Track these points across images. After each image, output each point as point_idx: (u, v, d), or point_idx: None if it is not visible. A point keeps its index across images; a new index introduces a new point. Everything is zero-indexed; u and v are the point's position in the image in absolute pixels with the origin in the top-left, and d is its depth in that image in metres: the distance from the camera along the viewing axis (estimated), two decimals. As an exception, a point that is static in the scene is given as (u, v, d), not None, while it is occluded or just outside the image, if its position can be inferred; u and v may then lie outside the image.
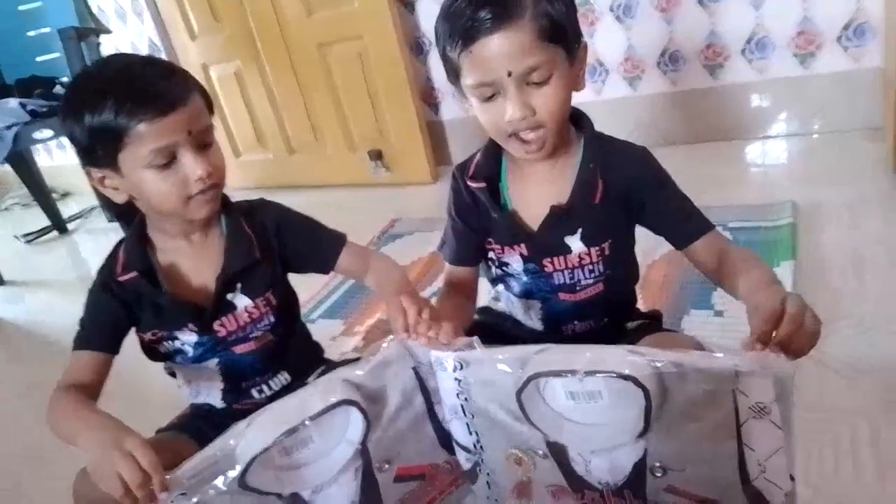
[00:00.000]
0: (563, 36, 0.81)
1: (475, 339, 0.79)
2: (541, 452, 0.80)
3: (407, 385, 0.85)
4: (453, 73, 0.86)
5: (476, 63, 0.80)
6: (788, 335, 0.64)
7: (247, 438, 0.76)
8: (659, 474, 0.75)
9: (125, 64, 0.84)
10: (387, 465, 0.86)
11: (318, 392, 0.80)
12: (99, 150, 0.82)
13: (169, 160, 0.83)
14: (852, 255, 1.36)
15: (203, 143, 0.86)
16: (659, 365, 0.68)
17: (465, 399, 0.80)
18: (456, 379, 0.79)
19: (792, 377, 0.64)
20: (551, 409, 0.76)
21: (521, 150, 0.86)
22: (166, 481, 0.71)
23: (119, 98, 0.78)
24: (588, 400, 0.73)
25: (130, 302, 0.93)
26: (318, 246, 1.01)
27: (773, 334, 0.65)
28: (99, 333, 0.93)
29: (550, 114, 0.82)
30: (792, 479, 0.69)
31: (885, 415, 0.95)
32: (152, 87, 0.80)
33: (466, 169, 0.96)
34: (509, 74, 0.79)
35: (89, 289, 0.95)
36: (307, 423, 0.77)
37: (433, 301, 0.98)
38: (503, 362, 0.75)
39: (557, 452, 0.79)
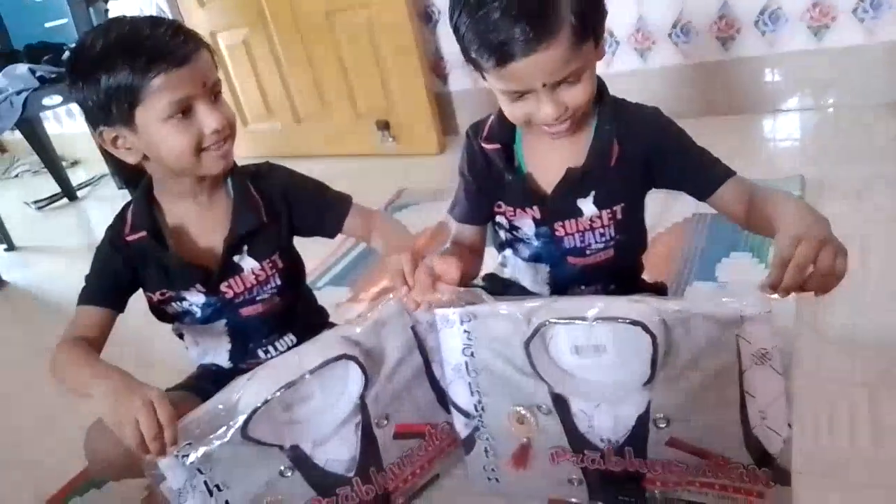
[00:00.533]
0: (593, 29, 0.79)
1: (481, 291, 0.80)
2: (544, 408, 0.81)
3: (405, 343, 0.87)
4: (477, 69, 0.82)
5: (509, 77, 0.78)
6: (797, 283, 0.63)
7: (248, 391, 0.78)
8: (662, 425, 0.76)
9: (131, 25, 0.85)
10: (385, 422, 0.88)
11: (316, 348, 0.82)
12: (114, 109, 0.83)
13: (185, 112, 0.84)
14: (858, 231, 1.36)
15: (215, 96, 0.87)
16: (666, 310, 0.69)
17: (471, 354, 0.81)
18: (465, 331, 0.80)
19: (792, 327, 0.65)
20: (556, 365, 0.77)
21: (544, 133, 0.85)
22: (177, 436, 0.73)
23: (133, 56, 0.79)
24: (593, 354, 0.75)
25: (137, 262, 0.94)
26: (324, 210, 1.02)
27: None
28: (104, 290, 0.95)
29: (580, 105, 0.82)
30: (790, 426, 0.71)
31: (882, 387, 0.96)
32: (164, 42, 0.81)
33: (480, 130, 0.96)
34: (544, 85, 0.78)
35: (97, 246, 0.97)
36: (307, 376, 0.79)
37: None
38: (513, 311, 0.76)
39: (561, 407, 0.80)
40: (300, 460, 0.84)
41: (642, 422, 0.77)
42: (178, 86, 0.81)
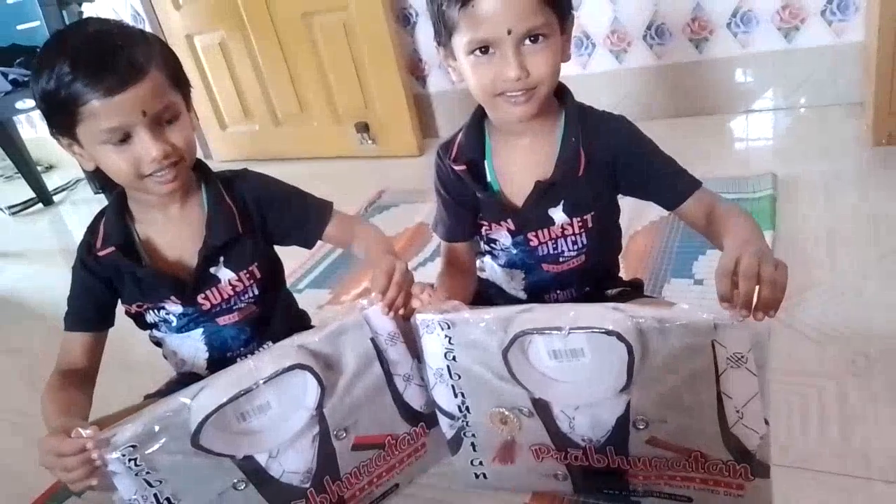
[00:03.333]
0: (560, 2, 0.82)
1: (459, 302, 0.81)
2: (526, 411, 0.82)
3: (363, 354, 0.85)
4: (447, 32, 0.85)
5: (476, 19, 0.80)
6: (747, 293, 0.66)
7: (199, 399, 0.76)
8: (641, 426, 0.78)
9: (89, 33, 0.82)
10: (344, 434, 0.87)
11: (272, 356, 0.80)
12: (56, 120, 0.82)
13: (123, 139, 0.81)
14: (828, 227, 1.39)
15: (163, 121, 0.83)
16: (640, 320, 0.70)
17: (453, 358, 0.82)
18: (446, 336, 0.80)
19: (768, 330, 0.67)
20: (535, 370, 0.78)
21: (507, 107, 0.86)
22: (97, 440, 0.72)
23: (72, 69, 0.76)
24: (571, 358, 0.75)
25: (111, 276, 0.93)
26: (303, 219, 1.00)
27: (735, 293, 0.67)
28: (84, 313, 0.95)
29: (543, 77, 0.83)
30: (766, 422, 0.72)
31: (852, 378, 0.99)
32: (107, 60, 0.78)
33: (450, 150, 0.96)
34: (509, 32, 0.79)
35: (73, 265, 0.95)
36: (261, 384, 0.77)
37: (434, 282, 0.99)
38: (489, 322, 0.77)
39: (542, 410, 0.81)
40: (254, 472, 0.82)
41: (622, 423, 0.78)
42: (112, 113, 0.78)
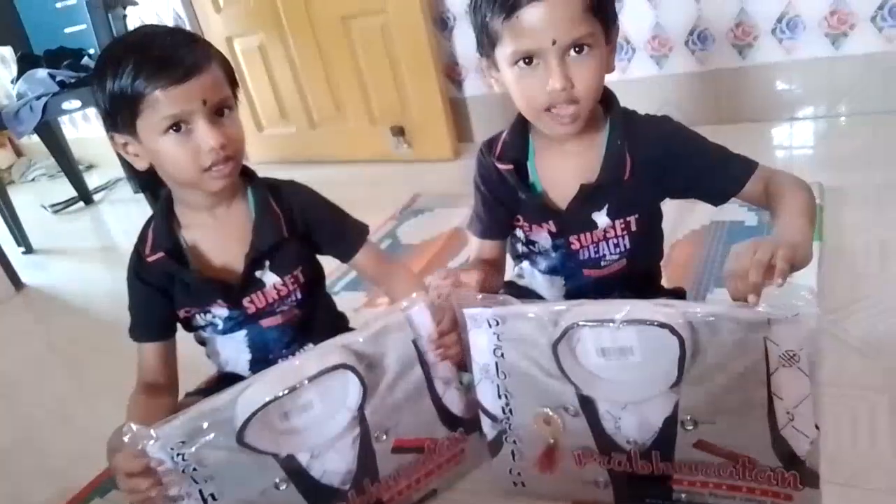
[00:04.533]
0: (605, 11, 0.81)
1: (508, 296, 0.81)
2: (571, 409, 0.81)
3: (405, 355, 0.85)
4: (489, 43, 0.84)
5: (519, 31, 0.79)
6: (755, 286, 0.67)
7: (245, 396, 0.77)
8: (690, 427, 0.76)
9: (148, 33, 0.86)
10: (384, 436, 0.87)
11: (317, 355, 0.81)
12: (118, 116, 0.84)
13: (183, 128, 0.83)
14: (877, 238, 1.35)
15: (219, 113, 0.86)
16: (692, 315, 0.70)
17: (501, 355, 0.81)
18: (494, 333, 0.80)
19: (817, 325, 0.66)
20: (583, 368, 0.78)
21: (553, 125, 0.86)
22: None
23: (137, 65, 0.80)
24: (619, 356, 0.75)
25: (164, 283, 0.95)
26: (341, 236, 1.02)
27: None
28: (148, 324, 0.98)
29: (588, 89, 0.82)
30: (817, 427, 0.71)
31: (904, 393, 0.96)
32: (170, 55, 0.81)
33: (493, 148, 0.96)
34: (554, 43, 0.78)
35: (127, 274, 0.98)
36: (305, 383, 0.78)
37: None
38: (540, 314, 0.77)
39: (588, 409, 0.80)
40: (295, 472, 0.83)
41: (669, 423, 0.77)
42: (175, 102, 0.81)
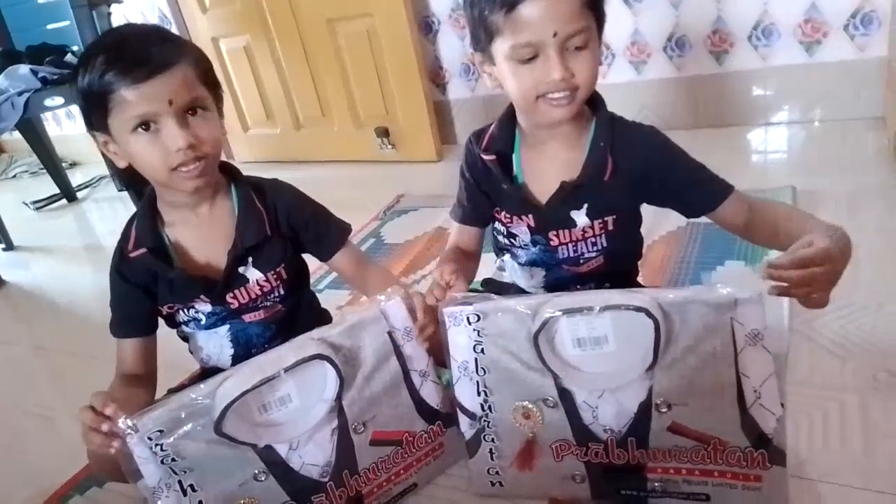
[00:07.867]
0: (600, 6, 0.84)
1: (489, 294, 0.83)
2: (550, 401, 0.83)
3: (381, 348, 0.87)
4: (487, 37, 0.86)
5: (521, 24, 0.81)
6: (797, 272, 0.70)
7: (224, 386, 0.78)
8: (664, 409, 0.79)
9: (124, 32, 0.88)
10: (362, 428, 0.88)
11: (293, 347, 0.83)
12: (91, 115, 0.85)
13: (151, 128, 0.84)
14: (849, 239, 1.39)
15: (191, 113, 0.86)
16: (663, 299, 0.73)
17: (481, 351, 0.83)
18: (474, 329, 0.82)
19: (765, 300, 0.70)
20: (560, 359, 0.80)
21: (548, 109, 0.87)
22: (117, 412, 0.75)
23: (107, 63, 0.81)
24: (594, 346, 0.78)
25: (146, 280, 0.95)
26: (323, 235, 1.03)
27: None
28: (129, 319, 0.98)
29: (585, 80, 0.84)
30: (782, 405, 0.74)
31: (873, 392, 0.99)
32: (138, 53, 0.81)
33: (481, 139, 0.99)
34: (555, 35, 0.80)
35: (109, 270, 0.98)
36: (282, 374, 0.79)
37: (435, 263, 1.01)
38: (519, 307, 0.79)
39: (566, 400, 0.83)
40: (274, 464, 0.84)
41: (644, 408, 0.79)
42: (140, 101, 0.81)
